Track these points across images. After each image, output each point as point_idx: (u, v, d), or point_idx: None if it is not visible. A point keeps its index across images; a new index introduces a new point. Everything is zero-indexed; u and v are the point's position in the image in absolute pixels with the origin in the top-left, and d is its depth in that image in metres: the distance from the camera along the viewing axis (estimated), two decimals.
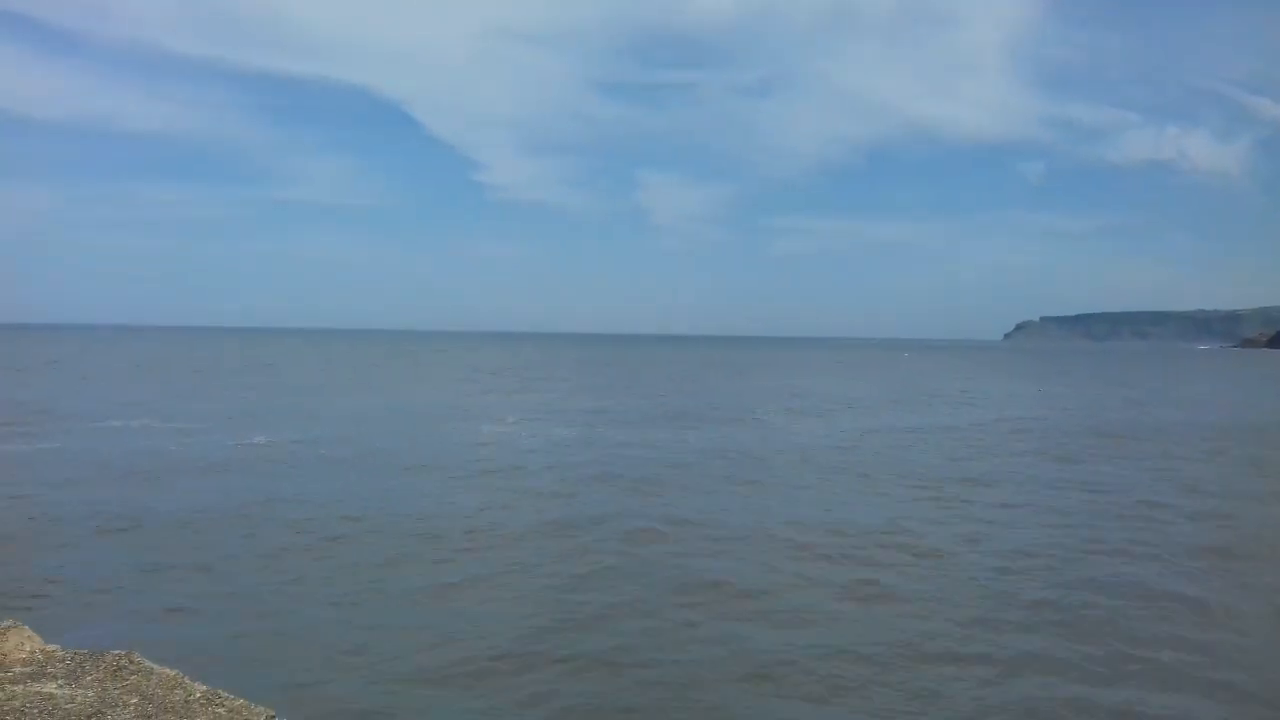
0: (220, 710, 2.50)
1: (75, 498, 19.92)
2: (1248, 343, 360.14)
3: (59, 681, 2.62)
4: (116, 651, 2.83)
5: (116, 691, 2.56)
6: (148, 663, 2.79)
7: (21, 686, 2.57)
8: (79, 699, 2.50)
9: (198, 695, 2.59)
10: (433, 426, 35.48)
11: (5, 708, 2.42)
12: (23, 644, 2.95)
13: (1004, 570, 14.38)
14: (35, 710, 2.40)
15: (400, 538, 16.99)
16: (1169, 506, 19.98)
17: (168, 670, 2.74)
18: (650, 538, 16.72)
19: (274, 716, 2.52)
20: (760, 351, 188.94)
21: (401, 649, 11.26)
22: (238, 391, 52.43)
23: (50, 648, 2.97)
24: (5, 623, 3.07)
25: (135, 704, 2.48)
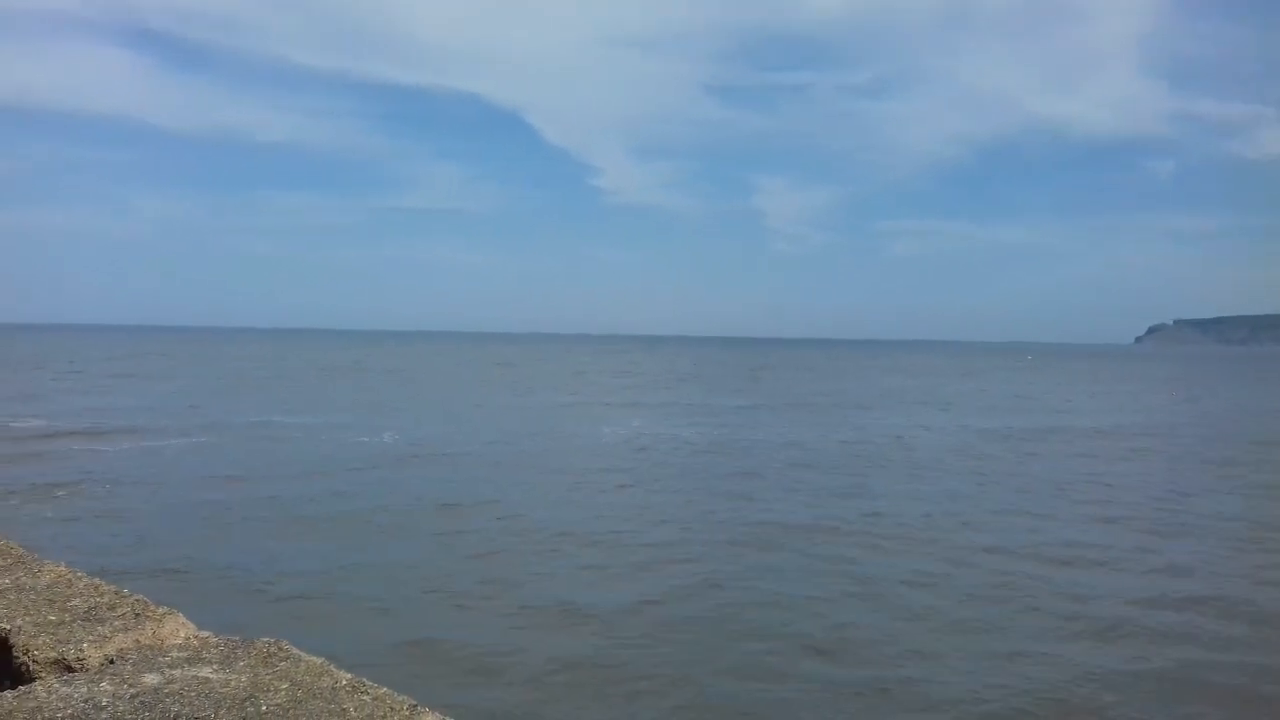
0: (365, 698, 2.54)
1: (216, 491, 20.91)
2: None
3: (214, 666, 2.71)
4: (266, 639, 2.91)
5: (268, 677, 2.63)
6: (295, 650, 2.85)
7: (180, 670, 2.66)
8: (233, 683, 2.57)
9: (344, 683, 2.63)
10: (571, 428, 35.88)
11: (165, 690, 2.51)
12: (178, 630, 3.06)
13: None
14: (193, 694, 2.48)
15: (517, 537, 17.24)
16: None
17: (314, 658, 2.80)
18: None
19: (416, 705, 2.54)
20: (881, 356, 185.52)
21: (528, 647, 11.40)
22: (365, 393, 54.23)
23: (204, 634, 3.07)
24: (162, 609, 3.20)
25: (285, 689, 2.54)
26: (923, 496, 22.04)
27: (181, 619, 3.14)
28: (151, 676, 2.60)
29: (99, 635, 2.95)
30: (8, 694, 2.52)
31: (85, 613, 3.18)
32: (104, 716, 2.34)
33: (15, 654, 2.95)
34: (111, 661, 2.79)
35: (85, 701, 2.43)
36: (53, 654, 2.86)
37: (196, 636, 3.04)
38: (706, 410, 45.35)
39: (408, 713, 2.49)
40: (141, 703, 2.42)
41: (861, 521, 18.85)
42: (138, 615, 3.14)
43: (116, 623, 3.07)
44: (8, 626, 3.07)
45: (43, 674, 2.80)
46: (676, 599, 13.59)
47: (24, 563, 3.85)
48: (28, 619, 3.11)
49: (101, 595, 3.39)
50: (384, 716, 2.44)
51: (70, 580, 3.60)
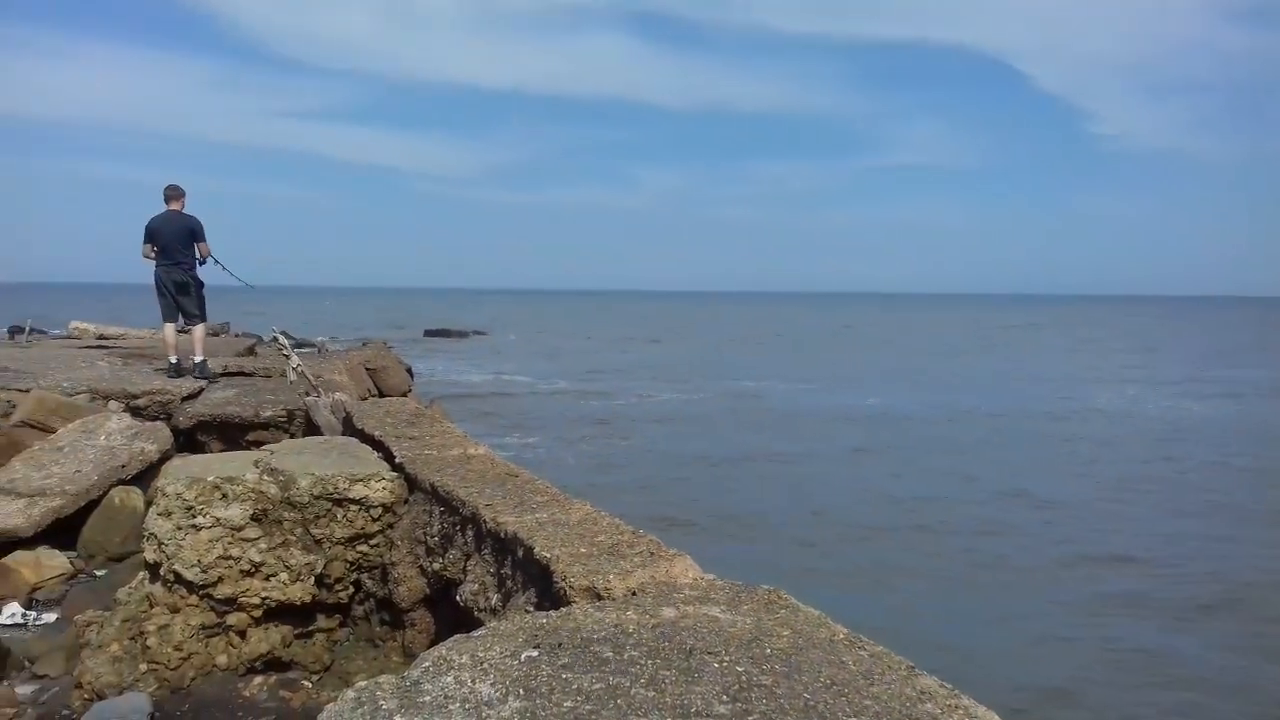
0: (863, 653, 2.57)
1: (717, 447, 22.42)
2: None
3: (721, 607, 2.90)
4: (767, 586, 3.05)
5: (770, 623, 2.75)
6: (793, 600, 2.96)
7: (692, 608, 2.88)
8: (739, 624, 2.73)
9: (841, 636, 2.69)
10: (1098, 404, 33.17)
11: (681, 624, 2.73)
12: (686, 570, 3.32)
13: None
14: (704, 630, 2.68)
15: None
16: None
17: (812, 609, 2.89)
18: None
19: (913, 667, 2.52)
20: None
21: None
22: (847, 355, 55.01)
23: (709, 577, 3.29)
24: (672, 551, 3.49)
25: (787, 636, 2.65)
26: None
27: (689, 561, 3.40)
28: (668, 610, 2.84)
29: (622, 569, 3.29)
30: (552, 614, 2.88)
31: (609, 548, 3.56)
32: (630, 641, 2.59)
33: (554, 579, 3.38)
34: (633, 594, 3.09)
35: (615, 626, 2.71)
36: (585, 582, 3.23)
37: (703, 578, 3.28)
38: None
39: (905, 672, 2.48)
40: (661, 633, 2.66)
41: None
42: (652, 555, 3.46)
43: (635, 559, 3.41)
44: (549, 555, 3.52)
45: (577, 599, 3.17)
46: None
47: (557, 500, 4.40)
48: (563, 550, 3.56)
49: (621, 534, 3.77)
50: (882, 674, 2.45)
51: (595, 519, 4.05)
